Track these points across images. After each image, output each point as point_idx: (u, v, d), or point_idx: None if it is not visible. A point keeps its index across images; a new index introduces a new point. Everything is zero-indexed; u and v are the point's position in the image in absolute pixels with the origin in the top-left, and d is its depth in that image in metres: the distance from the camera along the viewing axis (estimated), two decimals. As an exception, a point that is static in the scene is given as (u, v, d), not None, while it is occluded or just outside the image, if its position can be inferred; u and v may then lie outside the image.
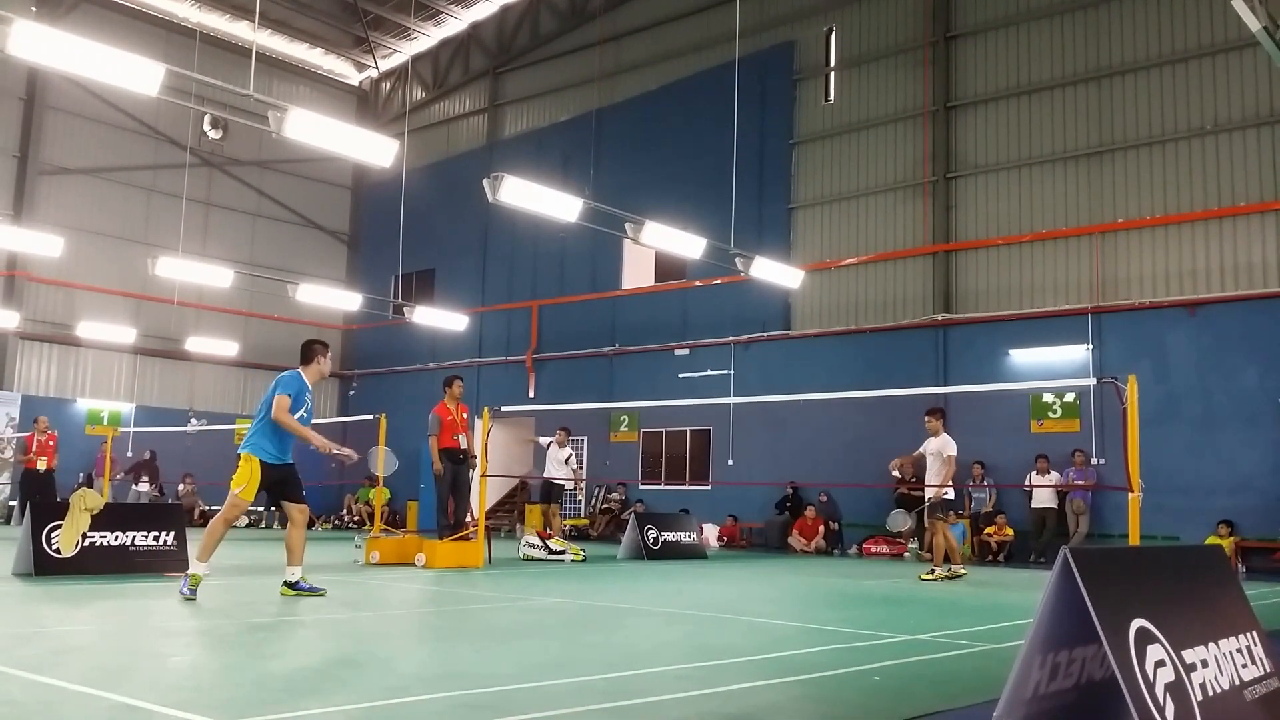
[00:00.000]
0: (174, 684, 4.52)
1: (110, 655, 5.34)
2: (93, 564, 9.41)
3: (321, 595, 8.16)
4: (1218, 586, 3.71)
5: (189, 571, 7.96)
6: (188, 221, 25.25)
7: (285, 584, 8.19)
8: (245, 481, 8.18)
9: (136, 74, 9.74)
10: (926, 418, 12.67)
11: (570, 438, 16.81)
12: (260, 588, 9.54)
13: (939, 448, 12.36)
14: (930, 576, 12.02)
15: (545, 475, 16.43)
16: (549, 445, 16.60)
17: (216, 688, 4.46)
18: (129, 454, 23.75)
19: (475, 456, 12.96)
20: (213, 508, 25.49)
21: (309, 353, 8.75)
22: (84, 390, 25.22)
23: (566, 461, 16.30)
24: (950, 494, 12.78)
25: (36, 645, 5.54)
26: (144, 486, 23.05)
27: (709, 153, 21.62)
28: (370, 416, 13.90)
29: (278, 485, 8.29)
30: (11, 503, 20.92)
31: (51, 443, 17.33)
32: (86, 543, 9.48)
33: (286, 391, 8.16)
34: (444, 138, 28.96)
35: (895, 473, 14.30)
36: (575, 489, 21.85)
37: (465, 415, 13.15)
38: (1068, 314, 17.49)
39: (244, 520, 25.79)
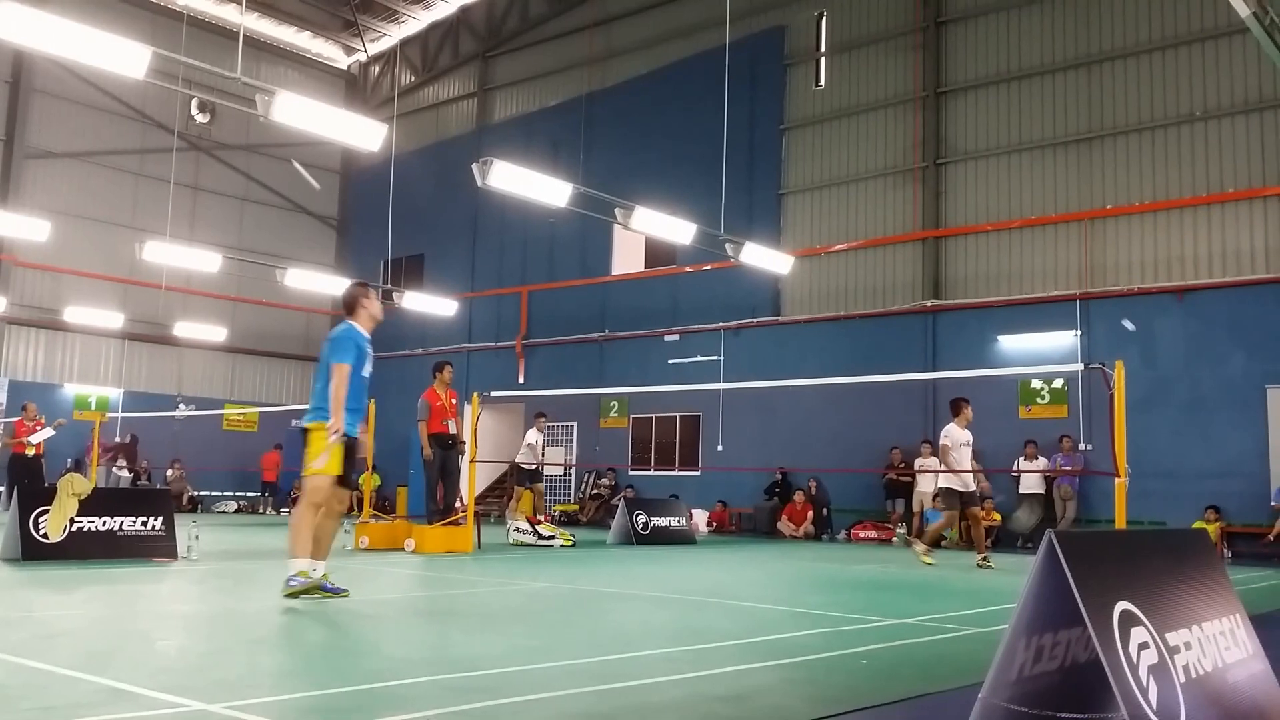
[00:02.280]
0: (162, 667, 4.52)
1: (98, 639, 5.33)
2: (80, 549, 9.38)
3: (345, 596, 6.88)
4: (1202, 570, 3.73)
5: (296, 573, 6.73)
6: (175, 206, 25.13)
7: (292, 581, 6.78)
8: (319, 453, 6.82)
9: (123, 57, 9.67)
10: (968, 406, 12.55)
11: (547, 423, 16.79)
12: (250, 573, 9.55)
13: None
14: (986, 563, 12.12)
15: (528, 461, 16.49)
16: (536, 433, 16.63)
17: (204, 671, 4.46)
18: (117, 439, 23.71)
19: (464, 442, 12.96)
20: (201, 493, 25.54)
21: (350, 302, 7.32)
22: (71, 375, 25.12)
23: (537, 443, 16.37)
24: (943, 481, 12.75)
25: (24, 629, 5.53)
26: (123, 471, 23.01)
27: (699, 138, 21.57)
28: (359, 401, 13.85)
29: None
30: (-1, 488, 20.84)
31: (38, 428, 17.27)
32: (74, 528, 9.45)
33: (345, 358, 6.94)
34: (433, 122, 28.85)
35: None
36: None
37: (455, 401, 13.14)
38: (1057, 300, 17.54)
39: (233, 505, 25.84)
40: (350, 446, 7.00)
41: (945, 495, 12.51)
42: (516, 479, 16.47)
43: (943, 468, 12.40)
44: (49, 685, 3.98)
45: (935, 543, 12.67)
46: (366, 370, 7.16)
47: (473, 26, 27.91)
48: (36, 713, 3.45)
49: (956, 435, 12.43)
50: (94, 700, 3.71)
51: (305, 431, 6.95)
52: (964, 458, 12.42)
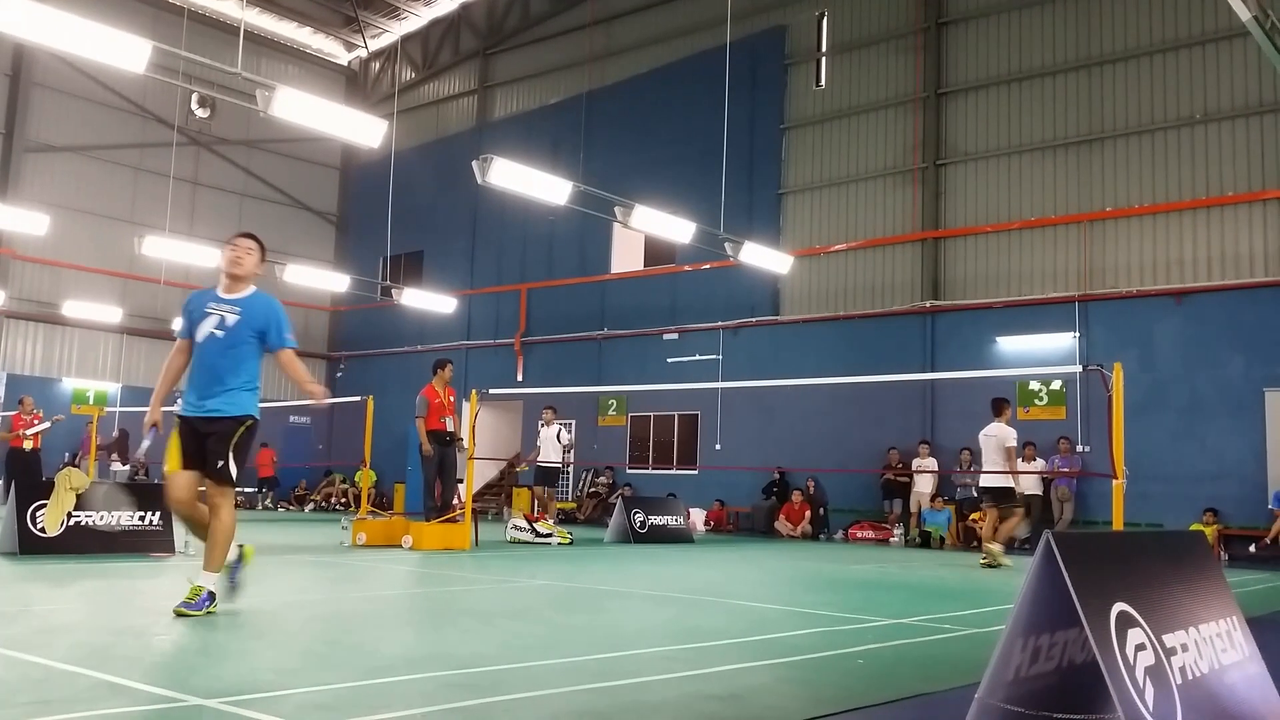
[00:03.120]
0: (159, 662, 4.52)
1: (95, 634, 5.33)
2: (78, 543, 9.39)
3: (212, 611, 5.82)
4: (1199, 572, 3.73)
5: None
6: (174, 201, 25.11)
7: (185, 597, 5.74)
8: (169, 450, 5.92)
9: (124, 51, 9.68)
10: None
11: (557, 416, 16.62)
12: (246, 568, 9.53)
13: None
14: (995, 562, 12.19)
15: (539, 460, 16.31)
16: (540, 429, 16.46)
17: (201, 667, 4.46)
18: (115, 434, 23.69)
19: (462, 439, 12.95)
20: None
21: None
22: (70, 370, 25.10)
23: (559, 438, 16.09)
24: (991, 481, 12.81)
25: (21, 624, 5.53)
26: (116, 465, 23.01)
27: (699, 137, 21.58)
28: (358, 398, 13.89)
29: (198, 451, 6.01)
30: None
31: (36, 423, 17.25)
32: (72, 522, 9.45)
33: (179, 332, 5.97)
34: (433, 119, 28.83)
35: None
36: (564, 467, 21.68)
37: (453, 398, 13.14)
38: (1055, 302, 17.55)
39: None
40: (201, 430, 6.00)
41: (1007, 495, 12.58)
42: (535, 479, 16.19)
43: (999, 467, 12.42)
44: (46, 679, 3.98)
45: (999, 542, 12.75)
46: (203, 333, 5.92)
47: (473, 23, 27.90)
48: (34, 707, 3.45)
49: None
50: (91, 695, 3.71)
51: None
52: (1000, 459, 12.51)
